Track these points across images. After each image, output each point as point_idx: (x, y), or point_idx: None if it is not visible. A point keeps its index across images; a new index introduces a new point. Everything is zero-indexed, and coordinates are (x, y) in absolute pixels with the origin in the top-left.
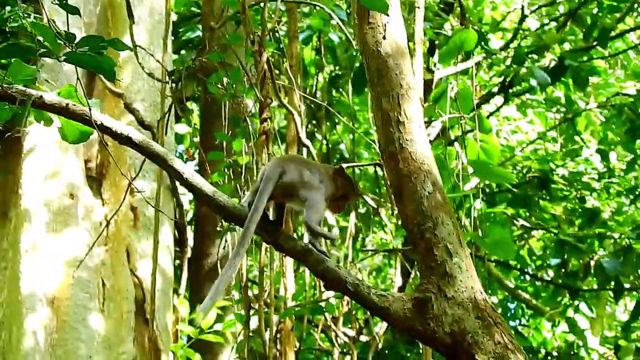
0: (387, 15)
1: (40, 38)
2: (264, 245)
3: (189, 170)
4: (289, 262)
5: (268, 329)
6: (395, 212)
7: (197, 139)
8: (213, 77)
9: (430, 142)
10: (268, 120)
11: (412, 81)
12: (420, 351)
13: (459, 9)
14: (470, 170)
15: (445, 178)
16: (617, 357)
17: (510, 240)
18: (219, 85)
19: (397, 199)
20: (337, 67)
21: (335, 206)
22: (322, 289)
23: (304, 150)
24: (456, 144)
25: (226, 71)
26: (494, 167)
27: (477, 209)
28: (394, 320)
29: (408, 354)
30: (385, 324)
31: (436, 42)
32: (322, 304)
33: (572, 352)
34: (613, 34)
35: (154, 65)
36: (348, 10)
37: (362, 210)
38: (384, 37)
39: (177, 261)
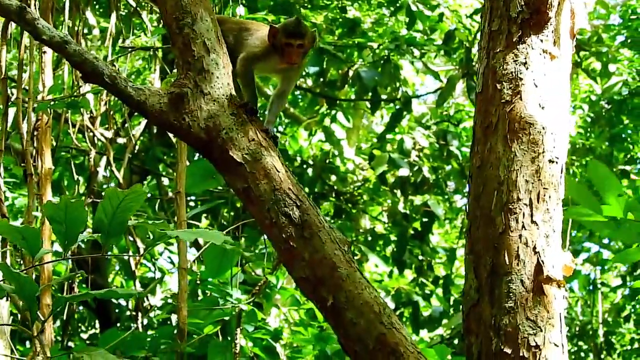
0: None
1: None
2: (25, 39)
3: None
4: (48, 58)
5: (25, 124)
6: (157, 15)
7: None
8: None
9: None
10: None
11: None
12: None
13: None
14: None
15: None
16: (371, 167)
17: None
18: None
19: None
20: None
21: None
22: (81, 83)
23: None
24: None
25: None
26: None
27: (239, 15)
28: (150, 114)
29: (164, 157)
30: (142, 126)
31: None
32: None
33: (327, 161)
34: None
35: None
36: None
37: (123, 11)
38: None
39: None
